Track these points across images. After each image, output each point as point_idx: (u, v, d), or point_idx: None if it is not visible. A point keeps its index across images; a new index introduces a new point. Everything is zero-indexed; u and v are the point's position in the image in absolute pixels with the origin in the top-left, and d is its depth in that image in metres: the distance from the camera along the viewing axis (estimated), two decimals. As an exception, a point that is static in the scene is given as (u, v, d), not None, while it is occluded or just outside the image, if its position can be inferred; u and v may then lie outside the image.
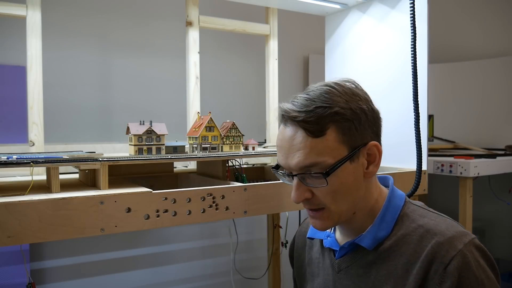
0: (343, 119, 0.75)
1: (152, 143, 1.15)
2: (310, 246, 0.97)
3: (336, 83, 0.78)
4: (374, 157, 0.80)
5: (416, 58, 1.17)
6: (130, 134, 1.15)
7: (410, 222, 0.79)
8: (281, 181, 1.20)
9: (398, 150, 1.51)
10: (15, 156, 0.97)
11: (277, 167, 0.84)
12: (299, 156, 0.75)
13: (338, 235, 0.89)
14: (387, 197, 0.83)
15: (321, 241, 0.91)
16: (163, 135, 1.16)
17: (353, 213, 0.81)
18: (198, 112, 1.45)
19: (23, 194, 0.95)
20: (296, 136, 0.76)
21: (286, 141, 0.77)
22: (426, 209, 0.83)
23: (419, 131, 1.15)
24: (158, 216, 1.01)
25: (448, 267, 0.70)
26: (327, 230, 0.90)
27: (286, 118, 0.77)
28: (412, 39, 1.17)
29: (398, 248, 0.77)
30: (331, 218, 0.79)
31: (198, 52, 1.53)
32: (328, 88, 0.77)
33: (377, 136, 0.81)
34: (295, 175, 0.77)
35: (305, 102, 0.75)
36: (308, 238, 0.95)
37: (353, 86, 0.80)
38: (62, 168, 1.10)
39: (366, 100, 0.79)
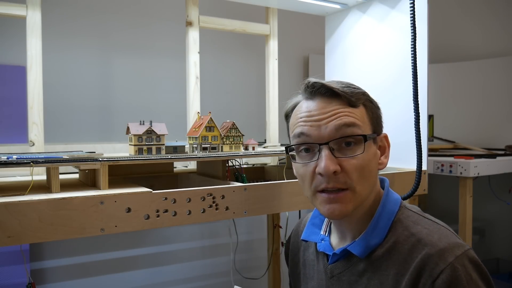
0: (371, 101, 0.81)
1: (152, 143, 1.15)
2: (305, 247, 0.96)
3: None
4: (384, 149, 0.83)
5: (416, 58, 1.17)
6: (130, 134, 1.15)
7: (403, 229, 0.76)
8: (281, 181, 1.21)
9: (398, 150, 1.51)
10: (15, 156, 0.97)
11: (290, 148, 0.81)
12: (339, 117, 0.75)
13: (333, 239, 0.87)
14: (381, 202, 0.80)
15: (316, 244, 0.90)
16: (163, 135, 1.16)
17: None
18: (198, 112, 1.45)
19: (23, 194, 0.95)
20: (330, 105, 0.76)
21: (317, 109, 0.76)
22: (421, 215, 0.80)
23: (419, 131, 1.15)
24: (158, 216, 1.01)
25: (436, 281, 0.67)
26: (321, 233, 0.89)
27: (316, 91, 0.77)
28: (412, 39, 1.17)
29: (389, 257, 0.75)
30: (353, 201, 0.75)
31: (198, 52, 1.53)
32: None
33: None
34: (327, 143, 0.74)
35: (335, 81, 0.79)
36: (302, 240, 0.93)
37: None
38: (62, 168, 1.10)
39: None
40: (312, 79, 0.78)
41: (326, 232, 0.90)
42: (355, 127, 0.75)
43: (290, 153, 0.82)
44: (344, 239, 0.84)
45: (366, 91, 0.82)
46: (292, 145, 0.80)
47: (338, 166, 0.74)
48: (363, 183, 0.76)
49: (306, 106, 0.78)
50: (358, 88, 0.80)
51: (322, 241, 0.88)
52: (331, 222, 0.89)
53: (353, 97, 0.77)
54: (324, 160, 0.73)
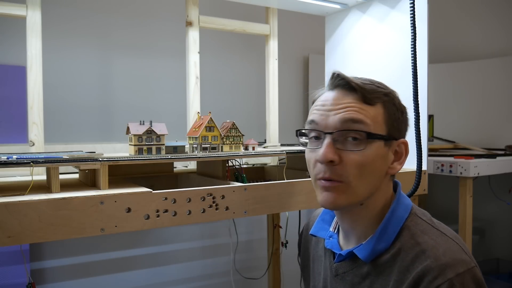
0: (392, 103, 0.79)
1: (152, 143, 1.15)
2: (316, 242, 0.95)
3: None
4: (401, 155, 0.80)
5: (416, 58, 1.16)
6: (130, 134, 1.15)
7: (409, 237, 0.75)
8: (281, 181, 1.21)
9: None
10: (15, 156, 0.97)
11: (302, 132, 0.82)
12: (346, 111, 0.75)
13: (341, 237, 0.87)
14: (391, 207, 0.79)
15: (324, 240, 0.90)
16: (163, 135, 1.16)
17: (360, 204, 0.78)
18: (198, 112, 1.46)
19: (23, 194, 0.95)
20: (346, 98, 0.76)
21: (332, 100, 0.77)
22: (431, 224, 0.78)
23: (419, 131, 1.15)
24: (158, 216, 1.01)
25: None
26: (330, 230, 0.89)
27: (337, 83, 0.77)
28: (412, 39, 1.17)
29: (393, 263, 0.74)
30: (346, 195, 0.75)
31: (198, 52, 1.54)
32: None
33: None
34: (331, 133, 0.75)
35: (363, 78, 0.80)
36: (311, 234, 0.93)
37: None
38: (62, 168, 1.10)
39: None
40: (336, 71, 0.78)
41: (335, 229, 0.89)
42: (361, 123, 0.74)
43: (301, 138, 0.83)
44: (348, 239, 0.84)
45: (396, 94, 0.82)
46: (302, 130, 0.82)
47: (337, 157, 0.74)
48: (360, 180, 0.74)
49: (324, 96, 0.79)
50: (384, 88, 0.80)
51: (330, 238, 0.88)
52: None
53: (370, 95, 0.76)
54: (324, 148, 0.74)
